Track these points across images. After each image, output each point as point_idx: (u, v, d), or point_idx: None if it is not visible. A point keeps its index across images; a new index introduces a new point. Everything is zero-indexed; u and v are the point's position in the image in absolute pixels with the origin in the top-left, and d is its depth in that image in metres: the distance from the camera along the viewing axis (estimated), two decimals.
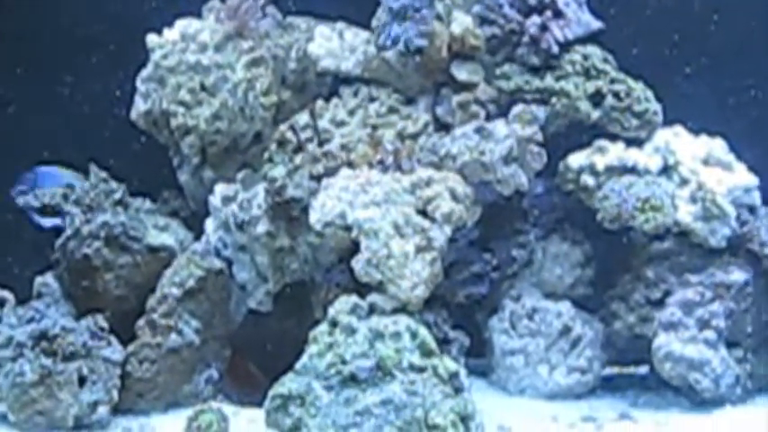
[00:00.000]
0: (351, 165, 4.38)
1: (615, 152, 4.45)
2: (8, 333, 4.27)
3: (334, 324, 4.03)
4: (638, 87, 4.51)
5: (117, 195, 4.57)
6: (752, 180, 4.45)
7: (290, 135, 4.51)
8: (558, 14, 4.53)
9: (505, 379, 4.47)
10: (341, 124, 4.51)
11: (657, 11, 4.71)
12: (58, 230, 4.56)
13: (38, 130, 4.76)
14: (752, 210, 4.44)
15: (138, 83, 4.68)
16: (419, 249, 4.15)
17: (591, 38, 4.58)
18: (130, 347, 4.34)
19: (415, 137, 4.48)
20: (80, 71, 4.77)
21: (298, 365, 3.96)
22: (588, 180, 4.44)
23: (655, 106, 4.50)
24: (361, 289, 4.15)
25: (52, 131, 4.76)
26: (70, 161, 4.61)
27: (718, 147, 4.48)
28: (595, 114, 4.48)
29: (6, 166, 4.69)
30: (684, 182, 4.39)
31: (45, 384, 4.14)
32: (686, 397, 4.29)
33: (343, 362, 3.90)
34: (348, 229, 4.19)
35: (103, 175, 4.59)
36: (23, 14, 4.74)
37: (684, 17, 4.69)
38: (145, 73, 4.68)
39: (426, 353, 3.95)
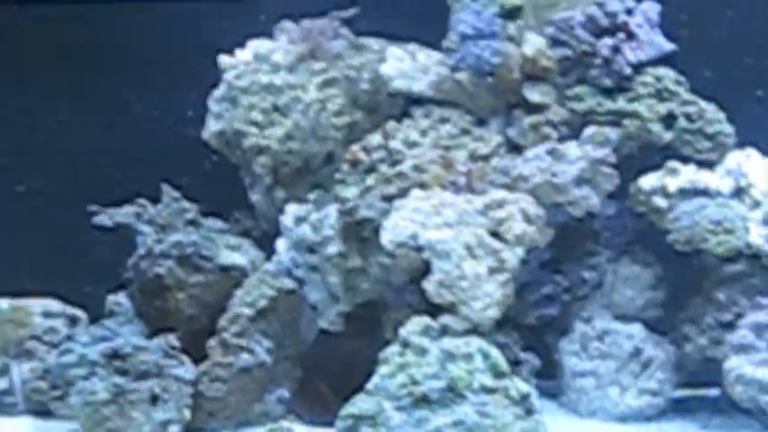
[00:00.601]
0: (423, 186, 4.35)
1: (687, 174, 4.42)
2: (81, 351, 4.29)
3: (405, 345, 4.02)
4: (711, 109, 4.48)
5: (189, 215, 4.56)
6: None
7: (362, 156, 4.47)
8: (631, 36, 4.51)
9: (576, 401, 4.45)
10: (413, 145, 4.47)
11: (730, 33, 4.66)
12: None
13: (110, 149, 4.79)
14: None
15: (211, 103, 4.69)
16: (491, 271, 4.14)
17: (663, 60, 4.54)
18: (202, 367, 4.35)
19: (487, 158, 4.45)
20: (153, 91, 4.77)
21: (369, 386, 3.94)
22: (660, 202, 4.40)
23: (727, 128, 4.47)
24: (433, 310, 4.14)
25: (125, 151, 4.78)
26: (142, 181, 4.60)
27: None
28: (667, 136, 4.44)
29: (77, 189, 4.68)
30: (756, 204, 4.36)
31: (117, 403, 4.17)
32: (757, 420, 4.24)
33: (415, 382, 3.87)
34: (420, 249, 4.17)
35: (176, 194, 4.57)
36: (99, 36, 4.75)
37: (757, 40, 4.66)
38: (217, 93, 4.69)
39: (498, 374, 3.94)
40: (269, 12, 4.76)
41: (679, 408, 4.45)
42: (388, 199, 4.35)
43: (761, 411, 4.19)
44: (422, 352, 3.98)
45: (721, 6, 4.66)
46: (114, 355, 4.25)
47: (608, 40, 4.50)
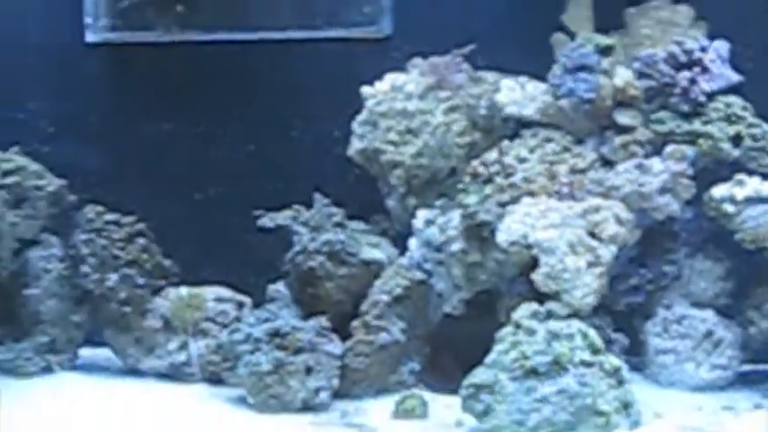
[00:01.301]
0: (531, 194, 4.62)
1: (752, 185, 4.61)
2: (247, 330, 4.60)
3: (517, 326, 4.29)
4: None
5: (337, 218, 4.85)
6: None
7: (481, 169, 4.75)
8: (705, 70, 4.71)
9: (658, 374, 4.70)
10: (523, 160, 4.74)
11: None
12: None
13: (273, 164, 5.03)
14: None
15: (355, 126, 4.97)
16: (589, 265, 4.44)
17: (732, 89, 4.73)
18: (347, 344, 4.64)
19: (584, 171, 4.71)
20: (307, 116, 5.00)
21: (487, 360, 4.23)
22: (729, 208, 4.61)
23: None
24: (540, 297, 4.42)
25: (283, 165, 5.03)
26: (298, 191, 4.87)
27: None
28: (735, 153, 4.68)
29: (244, 196, 4.95)
30: None
31: (278, 373, 4.48)
32: None
33: (525, 357, 4.17)
34: (529, 247, 4.47)
35: (326, 201, 4.87)
36: (265, 71, 5.01)
37: None
38: (360, 118, 4.94)
39: (594, 351, 4.23)
40: (402, 50, 4.95)
41: (745, 380, 4.67)
42: (503, 205, 4.62)
43: None
44: (531, 332, 4.27)
45: (750, 43, 4.81)
46: (275, 333, 4.57)
47: (686, 73, 4.72)
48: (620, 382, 4.25)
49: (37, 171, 4.92)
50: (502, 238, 4.55)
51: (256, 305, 4.91)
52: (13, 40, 4.90)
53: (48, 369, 4.92)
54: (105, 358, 5.03)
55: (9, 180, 4.86)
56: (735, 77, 4.79)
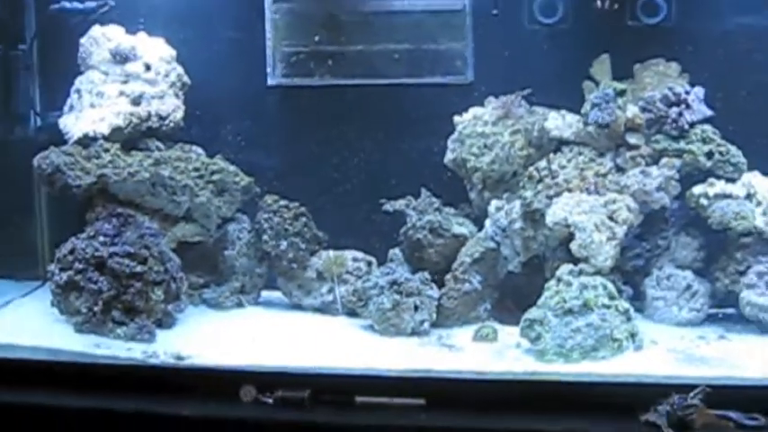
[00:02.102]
0: (569, 190, 4.63)
1: (720, 186, 4.62)
2: (375, 280, 4.66)
3: (559, 280, 4.34)
4: (733, 148, 4.67)
5: (436, 205, 4.86)
6: None
7: (535, 173, 4.79)
8: (688, 107, 4.69)
9: (653, 314, 4.66)
10: (563, 167, 4.75)
11: (745, 105, 4.81)
12: None
13: (391, 168, 5.04)
14: None
15: (449, 142, 4.96)
16: (608, 239, 4.47)
17: (707, 120, 4.72)
18: (442, 290, 4.65)
19: (605, 175, 4.71)
20: (416, 136, 5.02)
21: (538, 303, 4.28)
22: (704, 201, 4.62)
23: (742, 159, 4.66)
24: (575, 261, 4.43)
25: (399, 169, 5.05)
26: (411, 187, 4.89)
27: None
28: (708, 164, 4.67)
29: (373, 190, 5.02)
30: (759, 203, 4.58)
31: (395, 310, 4.54)
32: (758, 326, 4.48)
33: (564, 301, 4.23)
34: (568, 226, 4.51)
35: (428, 194, 4.86)
36: (384, 106, 5.05)
37: (761, 111, 4.82)
38: (453, 137, 4.94)
39: (611, 297, 4.28)
40: (481, 92, 4.93)
41: (712, 319, 4.66)
42: (550, 197, 4.64)
43: (759, 321, 4.47)
44: (568, 284, 4.31)
45: (739, 90, 4.82)
46: (393, 282, 4.60)
47: (675, 109, 4.69)
48: (629, 319, 4.30)
49: (234, 171, 5.01)
50: (549, 219, 4.57)
51: (380, 263, 4.89)
52: (220, 83, 4.97)
53: (239, 305, 4.99)
54: (278, 298, 5.06)
55: (215, 177, 4.96)
56: (708, 112, 4.75)
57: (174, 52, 4.91)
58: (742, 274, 4.58)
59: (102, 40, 4.82)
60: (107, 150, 4.66)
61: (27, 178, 4.80)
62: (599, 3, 4.77)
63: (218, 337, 4.45)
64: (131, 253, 4.43)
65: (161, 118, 4.84)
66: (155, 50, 4.88)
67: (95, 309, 4.36)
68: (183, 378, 4.05)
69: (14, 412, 3.82)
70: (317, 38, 4.95)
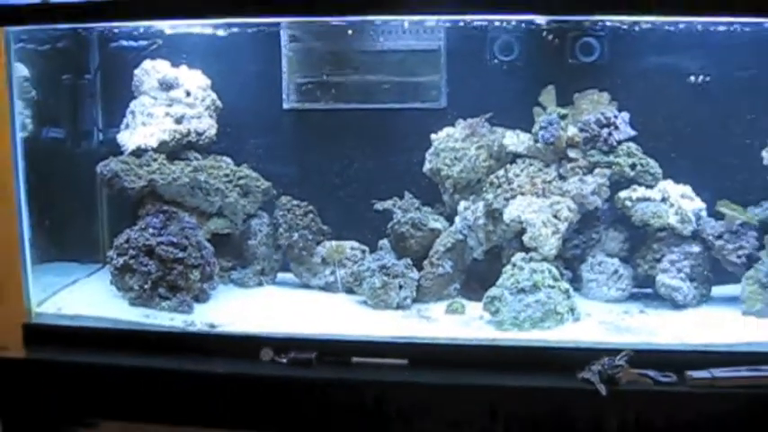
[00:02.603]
0: (522, 194, 4.58)
1: (641, 191, 4.60)
2: (368, 264, 4.61)
3: (513, 265, 4.31)
4: (651, 161, 4.65)
5: (416, 205, 4.81)
6: (702, 204, 4.59)
7: (495, 180, 4.73)
8: (616, 128, 4.68)
9: (587, 293, 4.62)
10: (517, 175, 4.69)
11: (661, 127, 4.78)
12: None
13: (382, 176, 4.94)
14: (701, 218, 4.64)
15: (427, 155, 4.86)
16: (553, 233, 4.44)
17: (631, 139, 4.70)
18: (421, 273, 4.62)
19: (550, 182, 4.65)
20: (402, 150, 4.92)
21: (497, 283, 4.26)
22: (628, 203, 4.60)
23: (659, 170, 4.65)
24: (526, 249, 4.40)
25: (388, 177, 4.95)
26: (398, 191, 4.89)
27: (687, 189, 4.61)
28: (632, 174, 4.63)
29: (366, 193, 4.90)
30: (672, 205, 4.55)
31: (384, 288, 4.51)
32: (671, 303, 4.49)
33: (518, 282, 4.22)
34: (521, 223, 4.46)
35: (411, 196, 4.85)
36: (378, 126, 5.00)
37: (673, 130, 4.79)
38: (430, 151, 4.80)
39: (555, 279, 4.28)
40: (452, 115, 4.85)
41: (634, 297, 4.64)
42: (507, 199, 4.58)
43: (671, 298, 4.48)
44: (521, 268, 4.29)
45: (656, 115, 4.71)
46: (383, 266, 4.56)
47: (606, 130, 4.67)
48: (568, 297, 4.29)
49: (256, 177, 4.98)
50: (506, 217, 4.51)
51: (372, 251, 4.85)
52: (246, 106, 4.97)
53: (260, 284, 4.95)
54: (290, 278, 5.01)
55: (241, 182, 4.95)
56: (632, 132, 4.71)
57: (209, 81, 4.93)
58: (658, 261, 4.56)
59: (152, 71, 4.85)
60: (155, 160, 4.68)
61: (91, 182, 4.81)
62: (546, 43, 4.76)
63: (243, 309, 4.44)
64: (174, 242, 4.47)
65: (198, 134, 4.86)
66: (194, 80, 4.89)
67: (145, 287, 4.39)
68: (215, 342, 4.09)
69: (82, 370, 3.90)
70: (323, 71, 4.93)
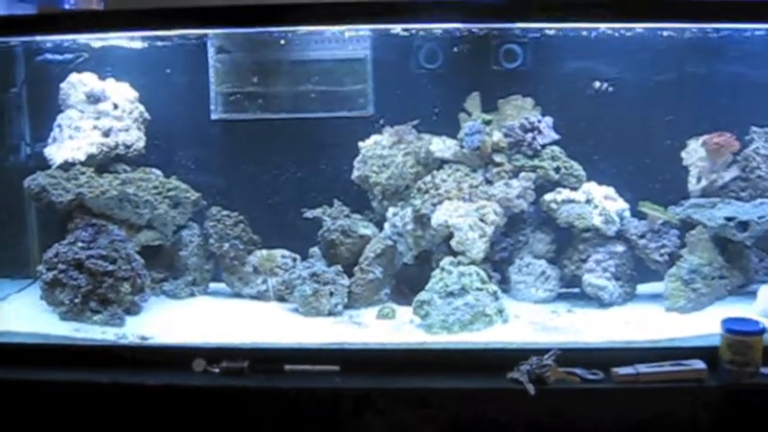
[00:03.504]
0: (449, 199, 4.58)
1: (565, 193, 4.66)
2: (299, 272, 4.59)
3: (442, 269, 4.33)
4: (575, 164, 4.71)
5: (345, 212, 4.84)
6: (625, 205, 4.63)
7: (423, 186, 4.78)
8: (540, 132, 4.75)
9: (516, 294, 4.66)
10: (444, 181, 4.73)
11: (584, 132, 4.84)
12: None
13: (311, 184, 4.97)
14: (624, 218, 4.70)
15: (355, 163, 4.78)
16: (480, 236, 4.46)
17: (555, 142, 4.78)
18: (352, 279, 4.60)
19: (477, 187, 4.66)
20: (331, 158, 4.93)
21: (426, 287, 4.28)
22: (554, 205, 4.65)
23: (583, 173, 4.71)
24: (454, 254, 4.42)
25: (317, 184, 4.97)
26: (327, 199, 4.85)
27: (610, 190, 4.67)
28: (556, 177, 4.66)
29: (297, 201, 4.89)
30: (596, 206, 4.61)
31: (315, 296, 4.52)
32: (597, 302, 4.55)
33: (447, 285, 4.25)
34: (448, 227, 4.47)
35: (340, 203, 4.83)
36: (306, 135, 4.97)
37: (596, 135, 4.84)
38: (358, 158, 4.83)
39: (483, 282, 4.30)
40: (380, 122, 4.91)
41: (561, 297, 4.70)
42: (434, 205, 4.59)
43: (597, 297, 4.53)
44: (449, 272, 4.32)
45: (578, 119, 4.78)
46: (314, 274, 4.56)
47: (530, 134, 4.71)
48: (497, 299, 4.31)
49: (185, 188, 4.95)
50: (434, 222, 4.52)
51: (303, 259, 4.82)
52: (174, 118, 4.95)
53: (192, 295, 4.93)
54: (222, 288, 5.00)
55: (171, 193, 4.90)
56: (556, 136, 4.75)
57: (136, 94, 4.89)
58: (584, 261, 4.60)
59: (79, 84, 4.80)
60: (83, 173, 4.63)
61: (19, 197, 4.75)
62: (471, 51, 4.79)
63: (175, 320, 4.43)
64: (104, 255, 4.44)
65: (126, 147, 4.82)
66: (121, 92, 4.84)
67: (76, 301, 4.35)
68: (147, 354, 4.05)
69: (13, 387, 3.83)
70: (250, 81, 4.90)
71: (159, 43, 4.80)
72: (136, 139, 4.97)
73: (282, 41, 4.92)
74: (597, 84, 4.78)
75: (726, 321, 3.64)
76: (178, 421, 3.69)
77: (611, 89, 4.80)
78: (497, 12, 4.03)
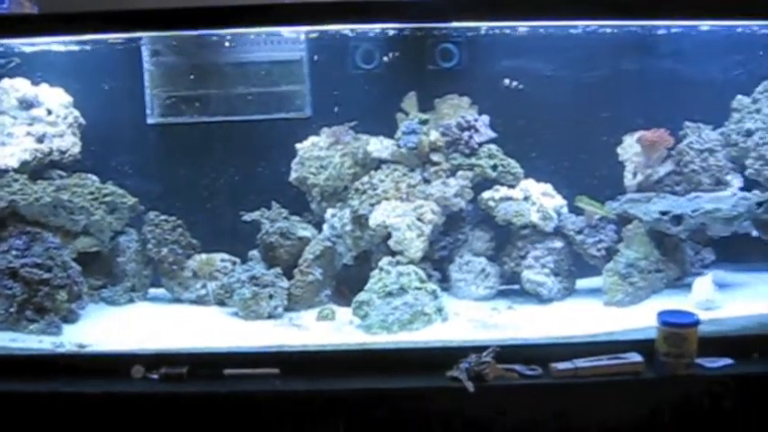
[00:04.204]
0: (387, 199, 4.62)
1: (503, 191, 4.70)
2: (238, 276, 4.62)
3: (380, 269, 4.36)
4: (512, 162, 4.76)
5: (284, 214, 4.82)
6: (563, 201, 4.71)
7: (360, 186, 4.78)
8: (477, 131, 4.77)
9: (456, 292, 4.68)
10: (382, 181, 4.74)
11: (521, 131, 4.87)
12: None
13: (249, 186, 4.84)
14: (561, 215, 4.71)
15: (293, 165, 4.89)
16: (418, 236, 4.51)
17: (492, 141, 4.79)
18: (291, 281, 4.61)
19: (414, 186, 4.72)
20: (269, 160, 4.94)
21: (365, 288, 4.31)
22: (492, 203, 4.69)
23: (520, 170, 4.76)
24: (393, 253, 4.47)
25: (256, 187, 4.90)
26: (266, 201, 4.87)
27: (547, 187, 4.72)
28: (494, 175, 4.73)
29: (235, 205, 4.88)
30: (534, 203, 4.65)
31: (255, 299, 4.52)
32: (536, 298, 4.61)
33: (386, 285, 4.28)
34: (386, 227, 4.52)
35: (278, 205, 4.85)
36: (243, 137, 4.98)
37: (533, 132, 4.88)
38: (296, 160, 4.87)
39: (422, 281, 4.33)
40: (317, 124, 4.90)
41: (501, 294, 4.72)
42: (372, 205, 4.63)
43: (536, 293, 4.59)
44: (388, 272, 4.35)
45: (515, 117, 4.79)
46: (253, 277, 4.56)
47: (467, 133, 4.75)
48: (436, 298, 4.33)
49: (122, 193, 4.92)
50: (372, 222, 4.56)
51: (243, 262, 4.82)
52: (109, 123, 4.93)
53: (131, 301, 4.91)
54: (162, 293, 4.99)
55: (107, 199, 4.86)
56: (492, 135, 4.79)
57: (71, 99, 4.84)
58: (523, 258, 4.65)
59: (11, 90, 4.74)
60: (17, 180, 4.57)
61: None
62: (407, 51, 4.80)
63: (114, 327, 4.40)
64: (39, 263, 4.39)
65: (61, 153, 4.76)
66: (55, 98, 4.79)
67: (11, 310, 4.31)
68: (85, 362, 4.01)
69: None
70: (186, 85, 4.87)
71: (94, 47, 4.76)
72: (71, 144, 4.92)
73: (218, 44, 4.90)
74: (507, 81, 4.82)
75: (661, 314, 3.67)
76: (118, 429, 3.70)
77: (520, 87, 4.86)
78: (431, 12, 4.09)
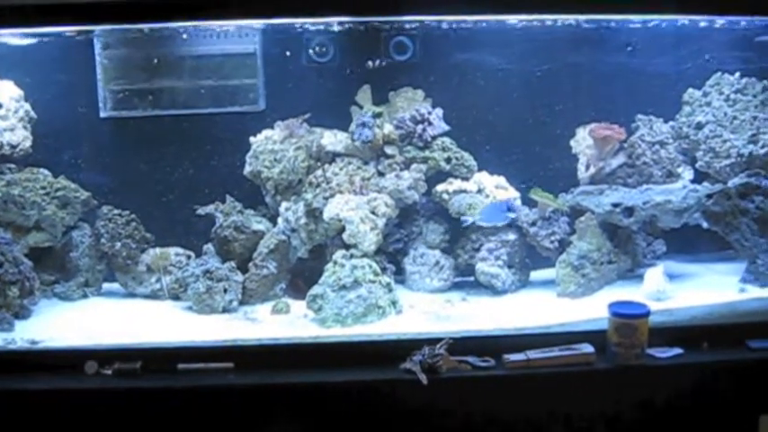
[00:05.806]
0: (341, 192, 4.66)
1: (457, 184, 4.72)
2: (192, 270, 4.61)
3: (335, 262, 4.36)
4: (466, 155, 4.80)
5: (238, 208, 4.84)
6: (516, 194, 4.75)
7: (314, 180, 4.80)
8: (430, 124, 4.77)
9: (411, 284, 4.73)
10: (336, 174, 4.79)
11: (474, 122, 4.93)
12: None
13: (203, 180, 4.92)
14: (514, 208, 4.63)
15: (247, 158, 4.90)
16: (371, 229, 4.51)
17: (445, 134, 4.83)
18: (246, 275, 4.63)
19: (369, 179, 4.76)
20: (222, 154, 4.93)
21: (320, 281, 4.31)
22: (446, 196, 4.71)
23: (474, 163, 4.80)
24: (347, 247, 4.49)
25: (209, 181, 4.94)
26: (220, 195, 4.86)
27: (501, 179, 4.77)
28: (447, 167, 4.76)
29: (189, 198, 4.90)
30: (487, 195, 4.69)
31: (209, 293, 4.51)
32: (490, 290, 4.62)
33: (340, 279, 4.27)
34: (341, 220, 4.52)
35: (232, 199, 4.83)
36: (196, 130, 4.96)
37: (487, 126, 4.94)
38: (250, 153, 4.86)
39: (376, 274, 4.34)
40: (271, 117, 4.88)
41: (455, 286, 4.76)
42: (326, 198, 4.65)
43: (490, 285, 4.61)
44: (342, 265, 4.34)
45: (469, 110, 4.91)
46: (207, 271, 4.56)
47: (421, 126, 4.76)
48: (390, 290, 4.35)
49: (75, 188, 4.91)
50: (326, 215, 4.57)
51: (197, 256, 4.82)
52: (61, 117, 4.91)
53: (85, 296, 4.88)
54: (116, 288, 4.98)
55: (59, 193, 4.85)
56: (446, 128, 4.81)
57: (21, 92, 4.81)
58: (477, 250, 4.65)
59: None
60: None
61: None
62: (361, 43, 4.82)
63: (67, 323, 4.34)
64: None
65: (12, 147, 4.75)
66: (5, 91, 4.77)
67: None
68: (38, 358, 3.99)
69: None
70: (139, 78, 4.84)
71: (45, 40, 4.72)
72: (22, 138, 4.89)
73: (172, 37, 4.88)
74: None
75: (612, 305, 3.72)
76: (71, 425, 3.69)
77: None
78: (386, 5, 4.13)
